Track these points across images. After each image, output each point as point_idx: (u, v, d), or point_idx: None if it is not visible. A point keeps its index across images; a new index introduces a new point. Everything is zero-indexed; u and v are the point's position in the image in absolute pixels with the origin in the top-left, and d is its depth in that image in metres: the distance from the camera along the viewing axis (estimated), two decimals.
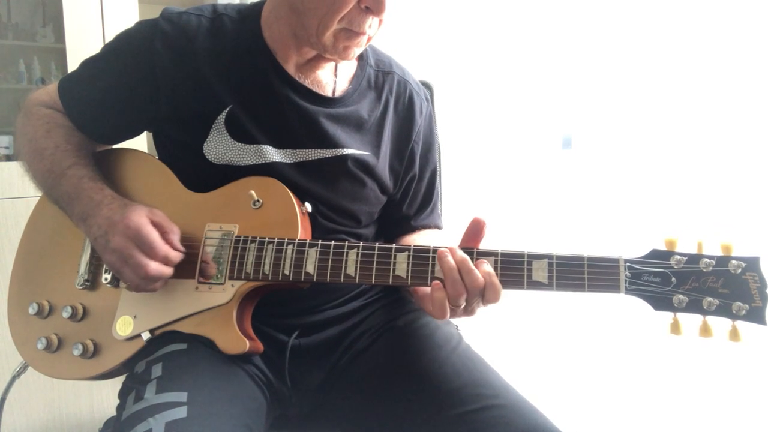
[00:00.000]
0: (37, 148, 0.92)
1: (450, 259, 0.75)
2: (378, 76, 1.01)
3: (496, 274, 0.75)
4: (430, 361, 0.89)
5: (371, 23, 0.85)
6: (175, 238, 0.84)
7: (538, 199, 2.40)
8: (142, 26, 0.92)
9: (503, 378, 0.87)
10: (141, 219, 0.81)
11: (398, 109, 1.02)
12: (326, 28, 0.84)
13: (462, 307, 0.75)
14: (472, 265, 0.74)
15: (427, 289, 0.79)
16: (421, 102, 1.05)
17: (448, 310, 0.75)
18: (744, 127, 1.83)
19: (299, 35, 0.89)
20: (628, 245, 0.75)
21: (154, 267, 0.80)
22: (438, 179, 1.13)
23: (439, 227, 1.12)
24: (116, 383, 0.87)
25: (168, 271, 0.81)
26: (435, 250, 0.78)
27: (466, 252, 0.77)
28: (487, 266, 0.74)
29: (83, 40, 1.82)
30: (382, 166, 0.99)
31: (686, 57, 1.98)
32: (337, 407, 0.94)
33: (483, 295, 0.74)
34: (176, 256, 0.83)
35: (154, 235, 0.80)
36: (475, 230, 0.78)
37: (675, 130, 2.06)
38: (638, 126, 2.19)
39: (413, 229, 1.07)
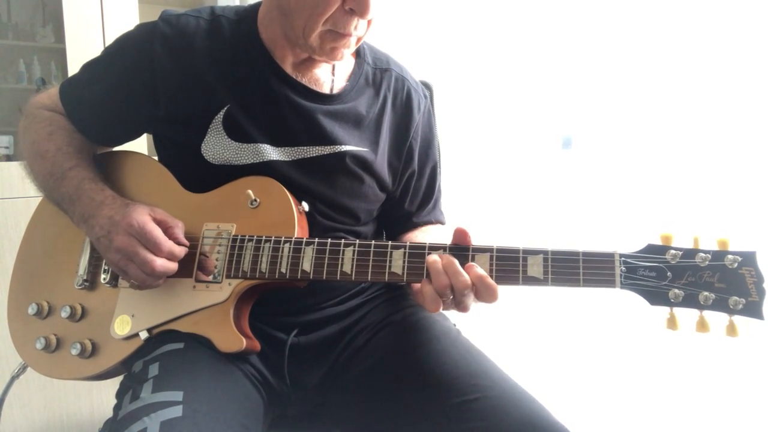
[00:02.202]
0: (39, 150, 0.92)
1: (434, 255, 0.77)
2: (376, 74, 1.01)
3: (492, 270, 0.76)
4: (428, 352, 0.89)
5: (357, 24, 0.85)
6: (179, 232, 0.85)
7: (538, 199, 2.39)
8: (141, 29, 0.93)
9: (501, 369, 0.88)
10: (143, 217, 0.82)
11: (396, 105, 1.02)
12: (312, 30, 0.85)
13: (451, 299, 0.76)
14: (458, 267, 0.75)
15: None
16: (419, 98, 1.05)
17: (441, 301, 0.76)
18: (743, 127, 1.82)
19: (289, 36, 0.90)
20: (629, 246, 0.74)
21: (160, 263, 0.81)
22: (439, 176, 1.13)
23: (442, 222, 1.12)
24: (116, 384, 0.87)
25: (173, 266, 0.82)
26: (431, 247, 0.79)
27: (462, 250, 0.77)
28: (479, 269, 0.75)
29: (83, 40, 1.83)
30: (381, 162, 0.99)
31: (686, 57, 1.98)
32: (336, 405, 0.94)
33: (477, 295, 0.75)
34: (181, 251, 0.84)
35: (157, 232, 0.81)
36: (460, 241, 0.78)
37: (675, 130, 2.05)
38: (638, 126, 2.19)
39: (415, 226, 1.08)
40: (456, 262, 0.75)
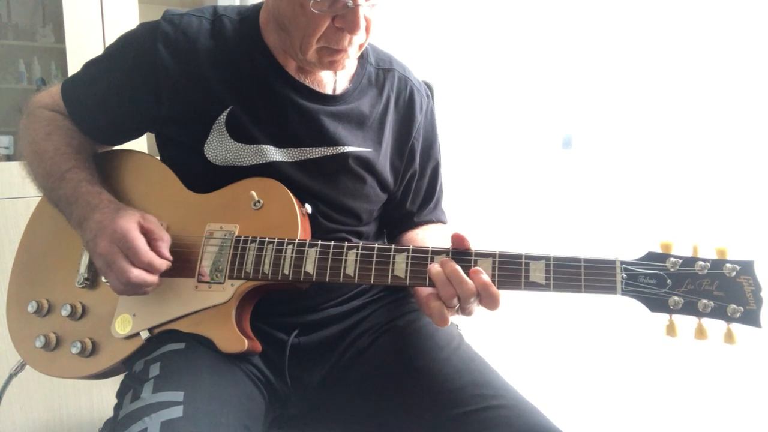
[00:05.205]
0: (38, 150, 0.92)
1: (436, 266, 0.76)
2: (378, 74, 1.02)
3: (494, 275, 0.76)
4: (431, 361, 0.89)
5: (351, 39, 0.86)
6: (163, 245, 0.83)
7: (538, 199, 2.39)
8: (143, 28, 0.93)
9: (504, 378, 0.88)
10: (129, 224, 0.81)
11: (399, 105, 1.02)
12: (308, 47, 0.85)
13: (457, 308, 0.76)
14: (462, 275, 0.74)
15: (426, 291, 0.79)
16: (421, 98, 1.05)
17: (448, 317, 0.76)
18: (744, 128, 1.83)
19: (288, 51, 0.90)
20: (629, 246, 0.75)
21: (136, 274, 0.80)
22: (440, 175, 1.13)
23: (443, 222, 1.12)
24: (116, 383, 0.87)
25: (150, 278, 0.81)
26: (434, 251, 0.79)
27: (464, 254, 0.78)
28: (484, 276, 0.75)
29: (83, 40, 1.82)
30: (383, 162, 0.99)
31: (686, 57, 1.98)
32: (337, 406, 0.95)
33: (480, 301, 0.75)
34: (161, 264, 0.82)
35: (138, 242, 0.80)
36: (459, 246, 0.79)
37: (675, 131, 2.05)
38: (638, 126, 2.19)
39: (416, 225, 1.08)
40: (460, 269, 0.75)
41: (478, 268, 0.76)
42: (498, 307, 0.75)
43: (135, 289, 0.81)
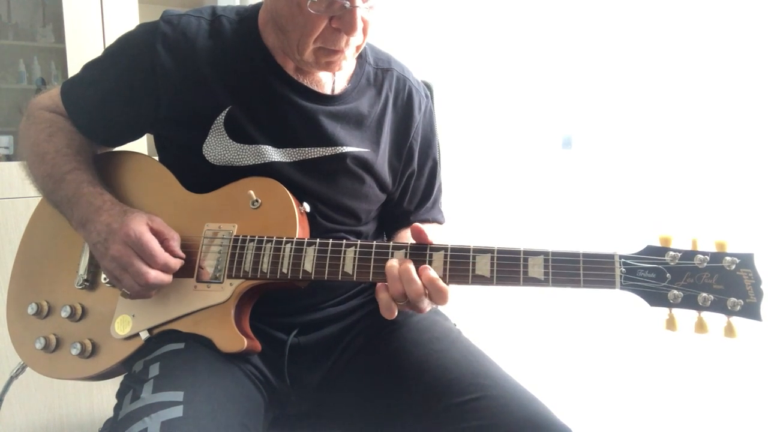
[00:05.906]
0: (38, 152, 0.92)
1: (393, 262, 0.78)
2: (377, 74, 1.02)
3: (493, 271, 0.76)
4: (429, 353, 0.90)
5: (348, 40, 0.86)
6: (175, 244, 0.84)
7: (538, 198, 2.40)
8: (142, 28, 0.93)
9: (502, 368, 0.88)
10: (140, 227, 0.81)
11: (397, 105, 1.02)
12: (305, 47, 0.86)
13: (405, 303, 0.77)
14: (413, 275, 0.75)
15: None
16: (420, 98, 1.05)
17: (395, 308, 0.77)
18: (743, 127, 1.83)
19: (286, 51, 0.91)
20: (628, 245, 0.75)
21: (154, 275, 0.80)
22: (439, 175, 1.13)
23: (439, 222, 1.13)
24: (116, 384, 0.87)
25: (167, 278, 0.82)
26: (432, 248, 0.79)
27: (464, 251, 0.77)
28: (431, 272, 0.76)
29: (83, 40, 1.82)
30: (381, 162, 0.99)
31: (686, 57, 1.98)
32: (337, 405, 0.95)
33: (429, 297, 0.76)
34: (176, 263, 0.83)
35: (153, 244, 0.81)
36: (418, 237, 0.79)
37: (675, 131, 2.06)
38: (638, 126, 2.19)
39: (411, 224, 1.08)
40: (412, 269, 0.76)
41: (426, 266, 0.77)
42: (447, 301, 0.76)
43: (150, 290, 0.82)
